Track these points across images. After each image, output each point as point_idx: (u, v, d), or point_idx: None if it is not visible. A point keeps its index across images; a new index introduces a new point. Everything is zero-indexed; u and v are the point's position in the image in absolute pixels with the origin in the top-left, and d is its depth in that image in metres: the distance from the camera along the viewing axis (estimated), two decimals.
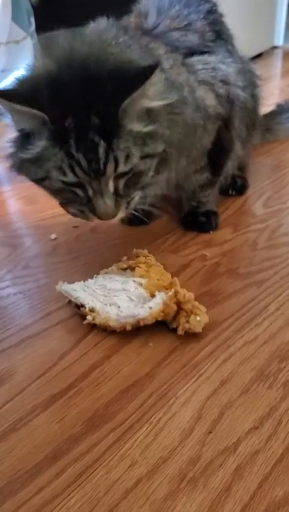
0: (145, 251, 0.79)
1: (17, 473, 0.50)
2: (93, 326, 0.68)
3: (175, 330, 0.66)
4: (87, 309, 0.68)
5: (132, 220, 0.94)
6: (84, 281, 0.73)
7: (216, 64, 0.83)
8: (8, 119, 0.65)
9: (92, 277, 0.74)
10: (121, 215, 0.69)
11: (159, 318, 0.66)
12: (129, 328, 0.66)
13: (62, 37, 0.69)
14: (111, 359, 0.64)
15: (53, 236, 0.93)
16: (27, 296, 0.77)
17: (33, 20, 1.57)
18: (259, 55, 2.33)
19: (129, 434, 0.53)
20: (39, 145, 0.63)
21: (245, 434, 0.53)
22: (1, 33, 1.43)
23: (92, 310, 0.67)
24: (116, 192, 0.66)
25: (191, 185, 0.90)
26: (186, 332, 0.65)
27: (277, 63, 2.32)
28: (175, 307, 0.66)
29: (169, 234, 0.92)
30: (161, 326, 0.67)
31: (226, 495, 0.47)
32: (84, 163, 0.62)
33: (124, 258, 0.80)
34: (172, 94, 0.69)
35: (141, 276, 0.72)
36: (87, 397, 0.58)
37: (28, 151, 0.64)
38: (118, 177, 0.65)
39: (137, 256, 0.78)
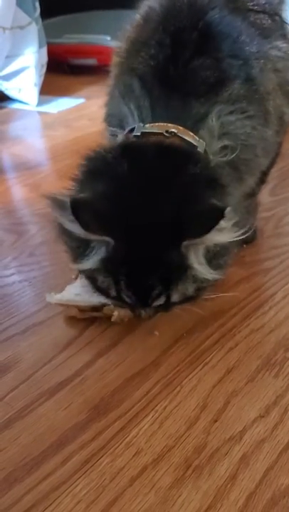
0: None
1: (23, 460, 0.50)
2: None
3: (181, 318, 0.65)
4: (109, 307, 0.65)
5: None
6: (69, 284, 0.69)
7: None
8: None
9: None
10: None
11: None
12: None
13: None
14: (116, 347, 0.63)
15: None
16: (32, 284, 0.77)
17: (38, 5, 1.55)
18: None
19: (135, 422, 0.53)
20: (95, 259, 0.54)
21: (251, 423, 0.53)
22: (6, 18, 1.41)
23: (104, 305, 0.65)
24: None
25: None
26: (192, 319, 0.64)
27: None
28: None
29: None
30: (167, 314, 0.67)
31: (232, 483, 0.47)
32: (132, 298, 0.56)
33: None
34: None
35: None
36: (92, 385, 0.58)
37: (82, 261, 0.55)
38: None
39: None
